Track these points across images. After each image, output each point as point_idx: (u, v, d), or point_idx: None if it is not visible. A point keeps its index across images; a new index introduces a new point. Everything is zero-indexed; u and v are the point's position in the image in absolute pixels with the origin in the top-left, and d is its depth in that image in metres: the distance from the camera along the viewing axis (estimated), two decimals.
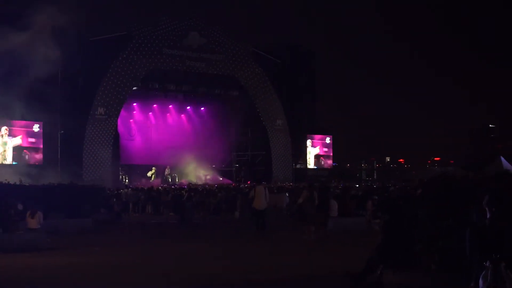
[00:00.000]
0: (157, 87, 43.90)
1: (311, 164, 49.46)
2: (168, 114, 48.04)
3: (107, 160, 38.06)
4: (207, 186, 37.19)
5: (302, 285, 10.17)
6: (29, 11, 29.37)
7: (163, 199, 29.79)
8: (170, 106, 47.39)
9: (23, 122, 35.60)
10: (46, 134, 36.09)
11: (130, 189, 31.59)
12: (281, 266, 11.91)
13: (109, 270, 11.73)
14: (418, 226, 9.83)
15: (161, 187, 36.51)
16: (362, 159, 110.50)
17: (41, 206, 16.50)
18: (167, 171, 45.15)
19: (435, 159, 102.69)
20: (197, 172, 45.29)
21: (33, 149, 36.07)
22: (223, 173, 47.61)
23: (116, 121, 39.28)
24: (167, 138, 46.15)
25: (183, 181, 43.37)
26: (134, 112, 45.73)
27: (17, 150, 35.32)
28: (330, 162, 52.37)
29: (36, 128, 36.09)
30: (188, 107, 48.48)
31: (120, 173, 42.26)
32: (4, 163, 34.54)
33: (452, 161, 79.41)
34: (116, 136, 39.82)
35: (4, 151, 34.88)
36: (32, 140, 35.94)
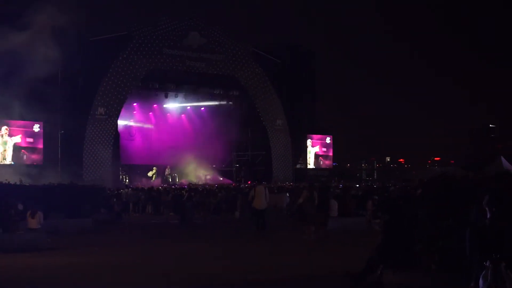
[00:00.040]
0: (157, 87, 43.90)
1: (311, 164, 49.45)
2: (168, 114, 48.06)
3: (107, 160, 38.06)
4: (207, 186, 37.19)
5: (302, 285, 10.17)
6: (29, 11, 29.35)
7: (164, 199, 29.79)
8: (170, 106, 47.37)
9: (23, 122, 35.59)
10: (46, 134, 36.08)
11: (130, 189, 31.60)
12: (281, 266, 11.91)
13: (109, 270, 11.74)
14: (418, 226, 9.83)
15: (161, 187, 36.52)
16: (362, 159, 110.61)
17: (41, 206, 16.50)
18: (167, 171, 45.15)
19: (435, 159, 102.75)
20: (197, 172, 45.30)
21: (32, 149, 36.06)
22: (223, 173, 47.61)
23: (116, 121, 39.28)
24: (167, 138, 46.17)
25: (183, 181, 43.38)
26: (135, 112, 45.75)
27: (17, 150, 35.32)
28: (330, 162, 52.37)
29: (36, 128, 36.09)
30: (188, 107, 48.49)
31: (120, 173, 42.25)
32: (4, 163, 34.53)
33: (452, 161, 79.40)
34: (117, 136, 39.81)
35: (4, 150, 34.88)
36: (31, 140, 35.92)
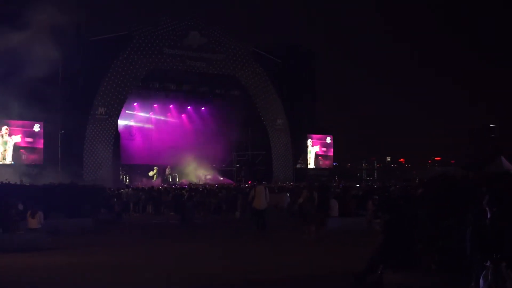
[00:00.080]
0: (157, 87, 43.93)
1: (311, 164, 49.44)
2: (168, 114, 48.07)
3: (107, 160, 38.09)
4: (207, 186, 37.18)
5: (302, 285, 10.16)
6: (29, 11, 29.36)
7: (164, 199, 29.79)
8: (171, 106, 47.42)
9: (23, 122, 35.62)
10: (46, 134, 36.10)
11: (130, 189, 31.56)
12: (281, 266, 11.90)
13: (109, 270, 11.72)
14: (418, 226, 9.83)
15: (162, 187, 36.51)
16: (362, 159, 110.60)
17: (42, 206, 16.49)
18: (167, 171, 45.16)
19: (436, 159, 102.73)
20: (197, 172, 45.31)
21: (32, 149, 36.07)
22: (224, 173, 47.64)
23: (117, 120, 39.29)
24: (167, 138, 46.19)
25: (183, 181, 43.39)
26: (135, 112, 45.77)
27: (17, 149, 35.33)
28: (330, 162, 52.36)
29: (36, 128, 36.11)
30: (189, 107, 48.50)
31: (121, 173, 42.26)
32: (4, 163, 34.54)
33: (452, 161, 79.43)
34: (117, 136, 39.82)
35: (5, 150, 34.89)
36: (31, 140, 35.94)
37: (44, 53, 29.32)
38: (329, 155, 51.37)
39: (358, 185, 37.83)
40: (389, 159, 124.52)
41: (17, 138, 35.30)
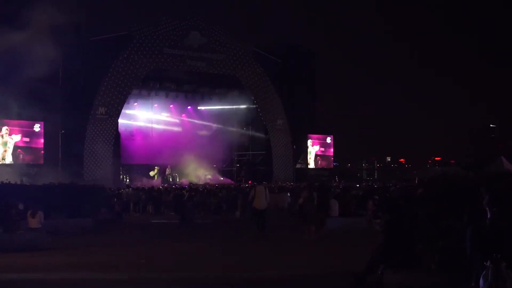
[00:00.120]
0: (158, 87, 43.92)
1: (311, 164, 49.41)
2: (169, 113, 48.04)
3: (108, 160, 38.08)
4: (208, 186, 37.18)
5: (302, 285, 10.16)
6: (29, 11, 29.36)
7: (164, 199, 29.79)
8: (171, 105, 47.41)
9: (23, 122, 35.62)
10: (47, 134, 36.10)
11: (131, 188, 31.56)
12: (281, 266, 11.90)
13: (109, 270, 11.72)
14: (418, 226, 9.83)
15: (162, 186, 36.51)
16: (362, 159, 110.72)
17: (42, 206, 16.49)
18: (168, 171, 45.15)
19: (436, 159, 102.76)
20: (197, 172, 45.29)
21: (32, 148, 36.06)
22: (224, 173, 47.62)
23: (117, 120, 39.29)
24: (168, 137, 46.17)
25: (183, 180, 43.37)
26: (135, 111, 45.75)
27: (17, 149, 35.33)
28: (331, 162, 52.32)
29: (37, 127, 36.11)
30: (189, 107, 48.49)
31: (121, 172, 42.26)
32: (4, 163, 34.54)
33: (452, 161, 79.38)
34: (117, 136, 39.83)
35: (5, 151, 34.88)
36: (32, 139, 35.93)
37: (44, 53, 29.32)
38: (329, 155, 51.32)
39: (358, 185, 37.83)
40: (389, 159, 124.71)
41: (17, 138, 35.29)
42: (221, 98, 47.38)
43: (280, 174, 45.16)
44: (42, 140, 36.22)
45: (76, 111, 35.74)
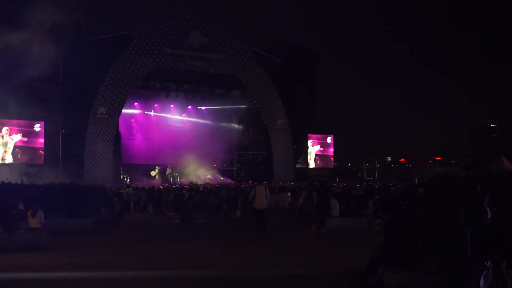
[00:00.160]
0: (158, 87, 43.93)
1: (312, 163, 49.39)
2: (169, 113, 48.05)
3: (108, 160, 38.10)
4: (208, 186, 37.18)
5: (302, 285, 10.15)
6: (30, 11, 29.36)
7: (165, 199, 29.78)
8: (171, 105, 47.43)
9: (24, 122, 35.64)
10: (47, 134, 36.12)
11: (131, 188, 31.55)
12: (281, 266, 11.90)
13: (109, 270, 11.71)
14: (419, 226, 9.82)
15: (162, 186, 36.51)
16: (363, 159, 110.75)
17: (42, 206, 16.48)
18: (168, 171, 45.15)
19: (436, 158, 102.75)
20: (198, 172, 45.29)
21: (32, 148, 36.07)
22: (224, 173, 47.61)
23: (117, 120, 39.29)
24: (168, 137, 46.18)
25: (184, 180, 43.38)
26: (136, 111, 45.79)
27: (16, 149, 35.33)
28: (331, 161, 52.30)
29: (37, 127, 36.13)
30: (189, 107, 48.49)
31: (121, 172, 42.27)
32: (5, 162, 34.54)
33: (453, 161, 79.43)
34: (117, 136, 39.83)
35: (5, 151, 34.88)
36: (32, 139, 35.96)
37: (44, 53, 29.33)
38: (330, 155, 51.29)
39: (358, 185, 37.83)
40: (389, 159, 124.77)
41: (18, 138, 35.30)
42: (222, 98, 47.36)
43: (280, 174, 45.14)
44: (42, 140, 36.25)
45: (77, 111, 35.75)
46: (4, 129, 34.85)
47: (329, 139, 50.74)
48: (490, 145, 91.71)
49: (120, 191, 30.22)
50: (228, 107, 47.73)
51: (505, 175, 10.54)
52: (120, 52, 38.41)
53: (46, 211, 16.81)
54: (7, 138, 34.88)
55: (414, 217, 9.94)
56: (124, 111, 41.04)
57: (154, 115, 47.20)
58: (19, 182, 24.66)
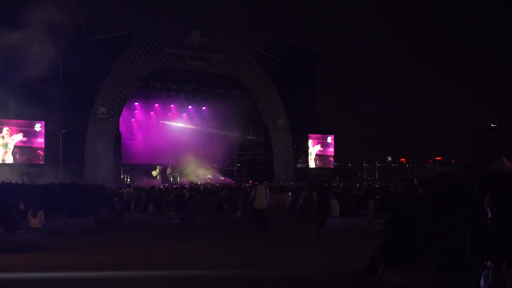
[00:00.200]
0: (158, 87, 43.94)
1: (312, 163, 49.39)
2: (169, 113, 48.08)
3: (108, 159, 38.11)
4: (208, 185, 37.19)
5: (302, 285, 10.15)
6: (30, 11, 29.37)
7: (165, 199, 29.77)
8: (172, 105, 47.44)
9: (24, 122, 35.66)
10: (47, 134, 36.13)
11: (131, 188, 31.55)
12: (281, 266, 11.90)
13: (110, 270, 11.71)
14: (419, 226, 9.81)
15: (163, 186, 36.52)
16: (363, 159, 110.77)
17: (42, 206, 16.49)
18: (168, 171, 45.18)
19: (437, 158, 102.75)
20: (198, 172, 45.30)
21: (32, 148, 36.08)
22: (225, 173, 47.63)
23: (118, 120, 39.30)
24: (168, 137, 46.20)
25: (184, 180, 43.40)
26: (136, 111, 45.81)
27: (17, 149, 35.35)
28: (331, 161, 52.28)
29: (37, 127, 36.14)
30: (190, 107, 48.50)
31: (122, 172, 42.30)
32: (5, 162, 34.55)
33: (453, 161, 79.45)
34: (118, 135, 39.85)
35: (5, 152, 34.89)
36: (32, 139, 35.97)
37: (44, 53, 29.35)
38: (330, 155, 51.27)
39: (358, 185, 37.82)
40: (390, 159, 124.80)
41: (18, 138, 35.32)
42: (222, 98, 47.38)
43: (280, 173, 45.15)
44: (43, 140, 36.26)
45: (77, 110, 35.76)
46: (5, 129, 34.86)
47: (329, 139, 50.73)
48: (490, 145, 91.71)
49: (121, 191, 30.22)
50: (228, 107, 47.75)
51: (505, 175, 10.54)
52: (121, 52, 38.43)
53: (46, 211, 16.82)
54: (7, 139, 34.89)
55: (414, 217, 9.93)
56: (125, 111, 41.05)
57: (154, 115, 47.21)
58: (19, 182, 24.71)
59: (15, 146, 35.34)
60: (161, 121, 47.64)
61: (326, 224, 17.60)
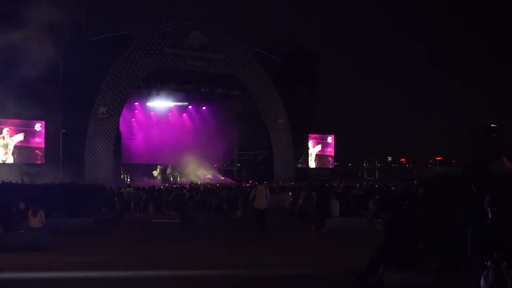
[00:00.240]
0: (159, 86, 43.93)
1: (312, 163, 49.37)
2: (170, 113, 48.07)
3: (108, 159, 38.10)
4: (208, 185, 37.18)
5: (302, 285, 10.15)
6: (30, 11, 29.37)
7: (165, 199, 29.77)
8: (172, 105, 47.42)
9: (24, 121, 35.65)
10: (48, 133, 36.13)
11: (131, 188, 31.55)
12: (281, 266, 11.90)
13: (110, 270, 11.71)
14: (419, 226, 9.82)
15: (163, 186, 36.52)
16: (363, 159, 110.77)
17: (42, 206, 16.49)
18: (169, 170, 45.18)
19: (437, 158, 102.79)
20: (198, 172, 45.30)
21: (33, 148, 36.07)
22: (225, 173, 47.62)
23: (118, 120, 39.30)
24: (168, 137, 46.19)
25: (184, 180, 43.39)
26: (136, 111, 45.80)
27: (17, 149, 35.35)
28: (332, 161, 52.27)
29: (37, 127, 36.13)
30: (190, 106, 48.50)
31: (122, 172, 42.29)
32: (6, 162, 34.55)
33: (454, 161, 79.45)
34: (118, 135, 39.84)
35: (5, 153, 34.88)
36: (32, 139, 35.96)
37: (45, 53, 29.35)
38: (330, 155, 51.24)
39: (358, 185, 37.81)
40: (390, 159, 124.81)
41: (18, 138, 35.31)
42: (222, 98, 47.37)
43: (281, 173, 45.14)
44: (43, 140, 36.24)
45: (77, 110, 35.76)
46: (5, 130, 34.84)
47: (329, 139, 50.70)
48: (490, 145, 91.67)
49: (121, 190, 30.22)
50: (229, 106, 47.72)
51: (506, 175, 10.54)
52: (121, 52, 38.42)
53: (46, 211, 16.83)
54: (7, 140, 34.87)
55: (414, 217, 9.94)
56: (125, 111, 41.04)
57: (154, 114, 47.19)
58: (19, 181, 24.71)
59: (17, 146, 35.33)
60: (161, 121, 47.59)
61: (326, 224, 17.60)
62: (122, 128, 41.97)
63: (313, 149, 49.28)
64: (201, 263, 12.49)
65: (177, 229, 21.59)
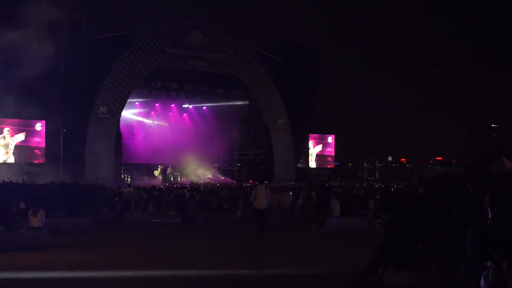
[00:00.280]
0: (159, 86, 43.96)
1: (312, 163, 49.37)
2: (170, 113, 48.09)
3: (109, 159, 38.10)
4: (209, 185, 37.20)
5: (302, 285, 10.15)
6: (30, 10, 29.37)
7: (165, 198, 29.76)
8: (172, 105, 47.45)
9: (25, 121, 35.66)
10: (48, 133, 36.14)
11: (132, 188, 31.56)
12: (281, 265, 11.90)
13: (110, 269, 11.72)
14: (419, 226, 9.82)
15: (163, 186, 36.53)
16: (363, 159, 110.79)
17: (43, 205, 16.50)
18: (169, 170, 45.20)
19: (437, 158, 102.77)
20: (198, 171, 45.32)
21: (33, 147, 36.08)
22: (225, 172, 47.65)
23: (118, 120, 39.31)
24: (169, 137, 46.21)
25: (184, 180, 43.41)
26: (137, 111, 45.82)
27: (18, 149, 35.37)
28: (332, 161, 52.26)
29: (38, 126, 36.14)
30: (190, 106, 48.51)
31: (122, 172, 42.29)
32: (6, 162, 34.56)
33: (454, 161, 79.43)
34: (118, 135, 39.85)
35: (6, 153, 34.89)
36: (33, 138, 35.98)
37: (45, 53, 29.35)
38: (331, 155, 51.25)
39: (358, 185, 37.81)
40: (390, 159, 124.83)
41: (19, 137, 35.32)
42: (222, 98, 47.40)
43: (281, 173, 45.15)
44: (43, 139, 36.25)
45: (77, 110, 35.78)
46: (5, 130, 34.85)
47: (329, 139, 50.71)
48: (490, 145, 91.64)
49: (121, 190, 30.23)
50: (229, 106, 47.72)
51: (506, 175, 10.54)
52: (121, 52, 38.43)
53: (47, 211, 16.85)
54: (8, 139, 34.88)
55: (414, 217, 9.93)
56: (125, 110, 41.06)
57: (155, 114, 47.22)
58: (20, 181, 24.70)
59: (18, 146, 35.33)
60: (161, 121, 47.62)
61: (326, 224, 17.61)
62: (123, 128, 41.92)
63: (313, 149, 49.29)
64: (201, 263, 12.50)
65: (177, 228, 21.58)
